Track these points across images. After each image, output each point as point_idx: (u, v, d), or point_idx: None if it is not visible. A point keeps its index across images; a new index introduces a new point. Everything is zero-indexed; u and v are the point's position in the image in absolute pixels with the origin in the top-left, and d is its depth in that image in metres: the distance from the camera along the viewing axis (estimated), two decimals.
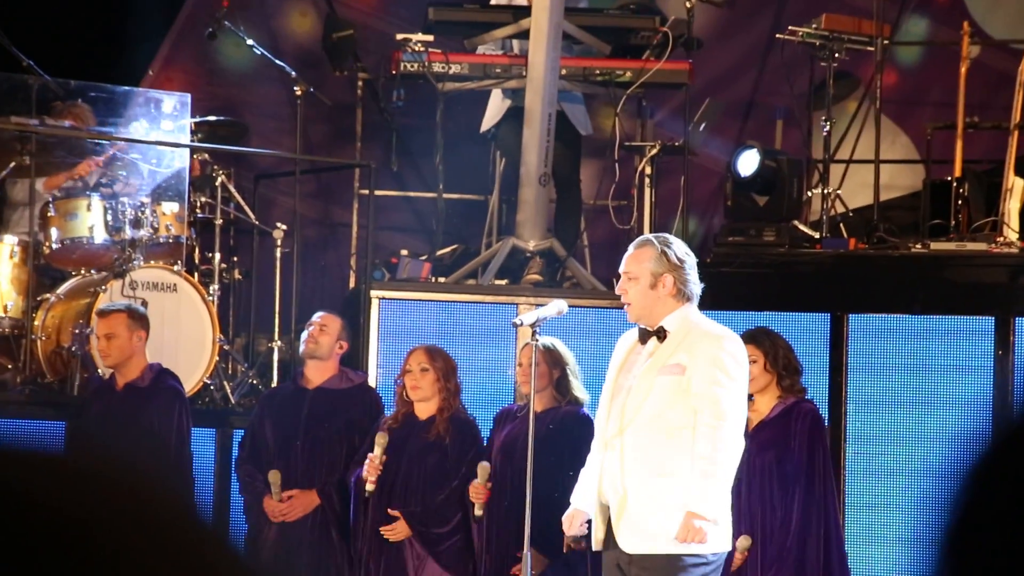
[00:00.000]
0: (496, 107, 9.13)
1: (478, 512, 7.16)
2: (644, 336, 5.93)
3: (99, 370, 7.63)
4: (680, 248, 5.97)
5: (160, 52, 10.25)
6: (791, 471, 6.63)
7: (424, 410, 7.39)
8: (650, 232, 9.09)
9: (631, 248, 6.04)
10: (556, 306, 6.96)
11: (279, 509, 7.42)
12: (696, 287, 5.94)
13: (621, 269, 5.99)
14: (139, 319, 7.64)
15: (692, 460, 5.75)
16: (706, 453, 5.73)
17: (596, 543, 5.92)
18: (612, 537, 5.84)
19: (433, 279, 8.84)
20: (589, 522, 5.96)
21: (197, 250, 9.16)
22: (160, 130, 9.00)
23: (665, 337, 5.87)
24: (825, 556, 6.72)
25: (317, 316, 7.74)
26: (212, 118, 9.52)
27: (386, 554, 7.27)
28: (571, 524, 5.99)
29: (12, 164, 8.62)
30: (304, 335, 7.69)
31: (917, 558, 7.65)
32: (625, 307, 5.96)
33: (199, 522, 1.33)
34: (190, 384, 8.23)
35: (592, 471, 5.99)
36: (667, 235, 6.12)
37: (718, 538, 5.81)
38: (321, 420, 7.59)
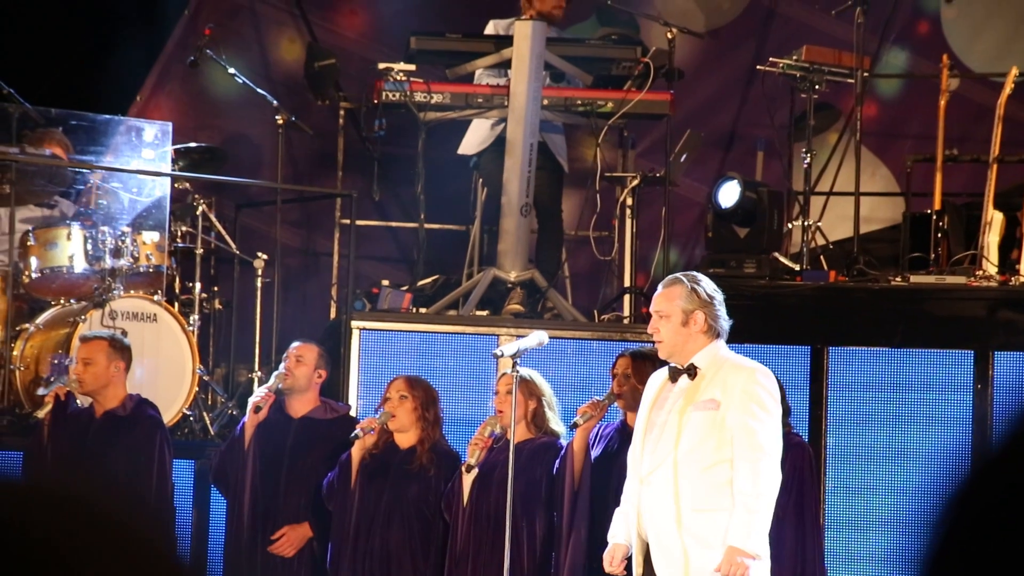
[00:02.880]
0: (482, 134, 9.13)
1: (471, 460, 7.10)
2: (675, 374, 6.00)
3: (78, 400, 7.61)
4: (709, 285, 6.07)
5: (148, 80, 10.26)
6: (779, 504, 6.64)
7: (404, 440, 7.38)
8: (630, 261, 9.14)
9: (660, 287, 6.13)
10: (537, 337, 6.97)
11: (273, 549, 7.44)
12: (725, 323, 6.03)
13: (652, 308, 6.08)
14: (120, 350, 7.62)
15: (732, 495, 5.79)
16: (746, 489, 5.78)
17: None
18: (652, 573, 5.87)
19: (414, 310, 8.83)
20: (630, 558, 6.00)
21: (177, 280, 9.15)
22: (141, 159, 9.00)
23: (696, 374, 5.94)
24: None
25: (293, 347, 7.74)
26: (192, 144, 9.52)
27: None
28: (612, 560, 6.04)
29: None
30: (280, 368, 7.68)
31: None
32: (656, 345, 6.05)
33: (176, 558, 1.33)
34: (169, 415, 8.21)
35: (627, 507, 6.03)
36: (696, 273, 6.23)
37: (760, 571, 5.84)
38: (306, 450, 7.58)
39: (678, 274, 6.19)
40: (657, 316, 6.03)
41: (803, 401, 8.06)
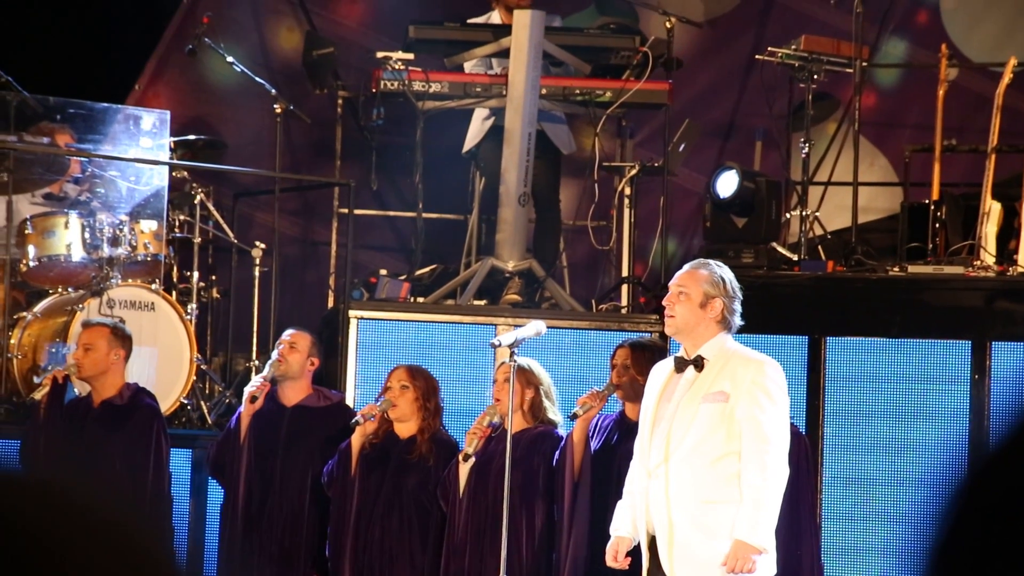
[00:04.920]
0: (478, 126, 9.14)
1: (468, 449, 7.09)
2: (681, 365, 5.95)
3: (75, 389, 7.61)
4: (735, 280, 6.05)
5: (147, 68, 10.25)
6: None
7: (404, 429, 7.38)
8: (628, 251, 9.13)
9: (686, 267, 6.09)
10: (534, 327, 6.97)
11: None
12: (738, 320, 5.99)
13: (672, 283, 6.02)
14: (121, 338, 7.62)
15: (740, 487, 5.76)
16: (754, 481, 5.76)
17: (644, 572, 5.93)
18: (659, 566, 5.85)
19: (412, 299, 8.84)
20: (631, 551, 5.97)
21: (175, 268, 9.15)
22: (139, 147, 8.99)
23: (703, 366, 5.90)
24: (807, 572, 6.80)
25: (286, 334, 7.73)
26: (191, 136, 9.53)
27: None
28: (616, 554, 6.00)
29: None
30: (274, 355, 7.68)
31: None
32: (667, 319, 6.00)
33: (172, 562, 1.33)
34: (167, 404, 8.22)
35: (631, 499, 6.00)
36: (724, 265, 6.16)
37: (767, 564, 5.84)
38: (300, 438, 7.58)
39: (708, 260, 6.18)
40: (677, 292, 5.98)
41: (800, 391, 8.07)
